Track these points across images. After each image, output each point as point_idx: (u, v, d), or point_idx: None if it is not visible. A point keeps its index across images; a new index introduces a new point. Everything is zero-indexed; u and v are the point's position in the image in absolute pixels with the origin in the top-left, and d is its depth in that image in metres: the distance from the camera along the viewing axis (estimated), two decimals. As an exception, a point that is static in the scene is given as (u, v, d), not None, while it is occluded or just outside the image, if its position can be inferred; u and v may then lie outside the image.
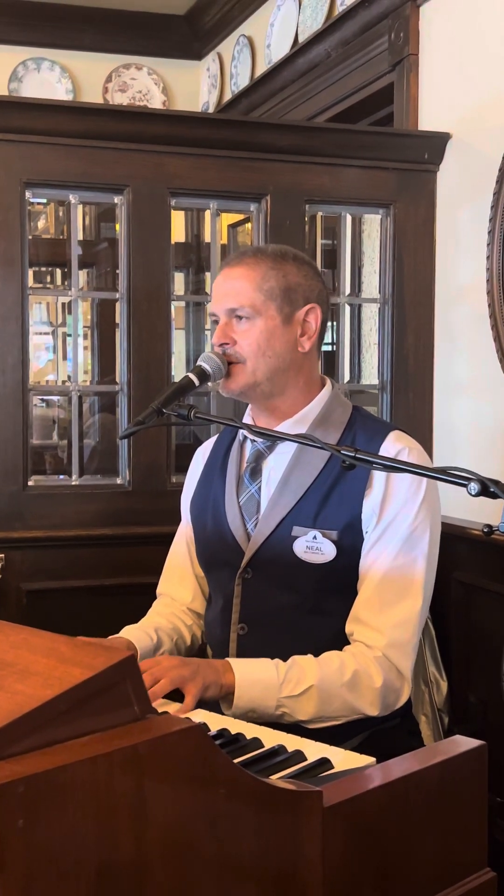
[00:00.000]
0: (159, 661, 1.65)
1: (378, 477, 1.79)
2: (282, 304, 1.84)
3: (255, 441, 1.91)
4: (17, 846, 0.81)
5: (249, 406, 1.97)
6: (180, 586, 2.05)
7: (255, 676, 1.67)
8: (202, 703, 1.68)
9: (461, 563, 2.39)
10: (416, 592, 1.78)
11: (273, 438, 1.85)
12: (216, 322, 1.89)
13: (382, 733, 1.82)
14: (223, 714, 1.65)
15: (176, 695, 1.63)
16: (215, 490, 1.96)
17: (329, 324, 3.18)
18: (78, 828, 0.85)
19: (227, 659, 1.73)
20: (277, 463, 1.88)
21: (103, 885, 0.86)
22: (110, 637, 1.87)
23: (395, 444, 1.82)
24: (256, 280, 1.83)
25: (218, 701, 1.68)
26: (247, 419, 1.97)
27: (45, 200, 3.89)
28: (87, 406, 3.81)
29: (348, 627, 1.80)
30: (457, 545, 2.34)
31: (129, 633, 1.89)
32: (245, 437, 1.95)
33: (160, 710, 1.15)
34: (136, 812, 0.89)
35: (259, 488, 1.89)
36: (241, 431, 1.95)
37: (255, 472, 1.90)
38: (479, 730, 2.31)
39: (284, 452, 1.87)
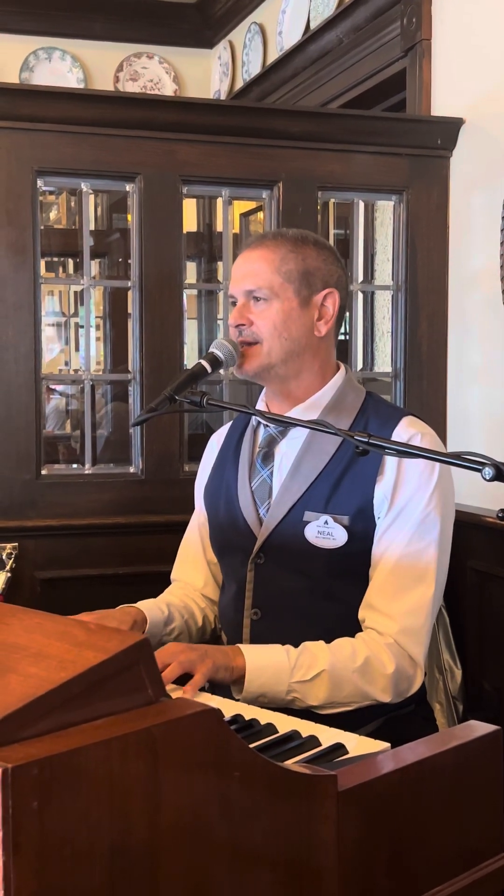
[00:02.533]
0: (167, 647, 1.65)
1: (390, 462, 1.78)
2: (300, 286, 1.83)
3: (267, 426, 1.91)
4: (31, 828, 0.80)
5: (263, 391, 1.96)
6: (193, 572, 2.05)
7: (265, 661, 1.67)
8: (214, 688, 1.68)
9: (475, 550, 2.38)
10: (429, 579, 1.77)
11: (286, 424, 1.84)
12: (234, 304, 1.89)
13: (397, 720, 1.81)
14: (235, 700, 1.65)
15: (186, 682, 1.62)
16: (228, 476, 1.96)
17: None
18: (92, 810, 0.84)
19: (237, 645, 1.73)
20: (289, 448, 1.87)
21: (117, 868, 0.86)
22: (121, 606, 1.87)
23: (408, 430, 1.81)
24: (275, 262, 1.83)
25: (229, 686, 1.67)
26: (260, 404, 1.97)
27: (56, 189, 3.88)
28: (99, 396, 3.82)
29: (361, 614, 1.79)
30: (471, 533, 2.33)
31: (141, 604, 1.90)
32: (258, 423, 1.95)
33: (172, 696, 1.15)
34: (150, 795, 0.89)
35: (271, 473, 1.88)
36: (254, 417, 1.95)
37: (268, 457, 1.90)
38: (494, 717, 2.30)
39: (296, 438, 1.86)
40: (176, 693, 1.58)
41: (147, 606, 1.90)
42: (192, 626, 1.98)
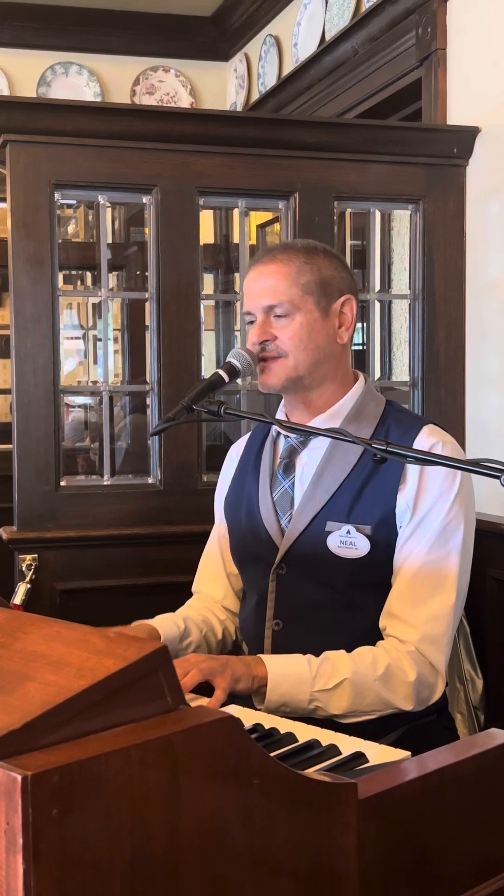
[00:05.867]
0: (188, 657, 1.65)
1: (412, 471, 1.78)
2: (318, 297, 1.83)
3: (287, 437, 1.91)
4: (51, 836, 0.80)
5: (282, 402, 1.96)
6: (213, 584, 2.05)
7: (287, 670, 1.67)
8: (235, 698, 1.67)
9: (496, 559, 2.36)
10: (450, 587, 1.76)
11: (305, 433, 1.84)
12: (251, 322, 1.87)
13: (419, 729, 1.80)
14: (256, 709, 1.65)
15: (207, 692, 1.62)
16: (249, 486, 1.96)
17: (360, 324, 3.15)
18: (112, 818, 0.84)
19: (258, 655, 1.72)
20: (311, 458, 1.87)
21: (137, 876, 0.86)
22: (135, 623, 1.87)
23: (429, 438, 1.81)
24: (292, 275, 1.83)
25: (250, 696, 1.67)
26: (279, 415, 1.96)
27: (74, 202, 3.90)
28: (117, 407, 3.82)
29: (382, 622, 1.79)
30: (491, 541, 2.32)
31: (156, 620, 1.90)
32: (278, 433, 1.95)
33: (191, 705, 1.15)
34: (170, 803, 0.88)
35: (292, 484, 1.88)
36: (273, 427, 1.95)
37: (289, 467, 1.90)
38: (516, 727, 2.29)
39: (317, 448, 1.86)
40: (196, 702, 1.58)
41: (162, 622, 1.89)
42: (211, 640, 1.97)
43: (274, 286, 1.83)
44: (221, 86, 4.88)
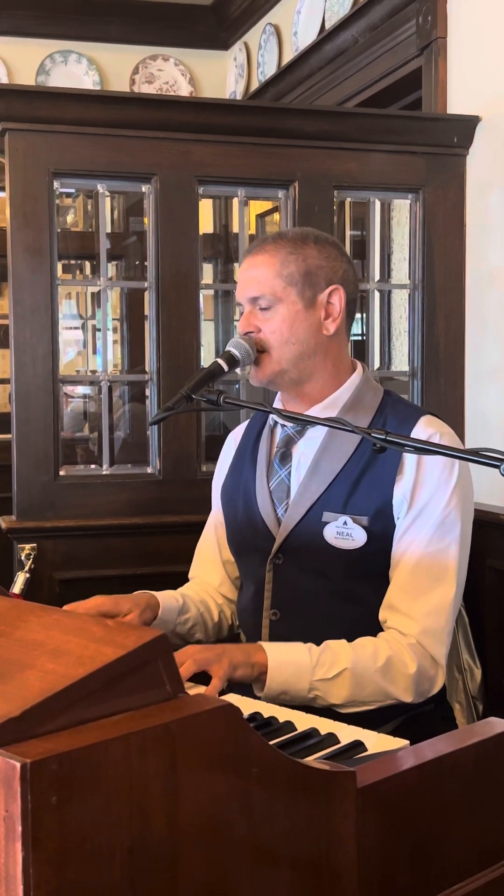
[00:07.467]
0: (185, 649, 1.65)
1: (409, 462, 1.77)
2: (303, 288, 1.82)
3: (284, 426, 1.90)
4: (50, 824, 0.80)
5: (278, 393, 1.96)
6: (209, 571, 2.05)
7: (287, 658, 1.67)
8: (235, 687, 1.67)
9: (495, 549, 2.36)
10: (450, 579, 1.76)
11: (303, 423, 1.84)
12: (243, 312, 1.89)
13: (417, 719, 1.81)
14: (255, 697, 1.65)
15: (207, 681, 1.62)
16: (246, 475, 1.95)
17: (359, 314, 3.15)
18: (110, 806, 0.84)
19: (258, 642, 1.72)
20: (307, 448, 1.87)
21: (136, 864, 0.86)
22: (136, 592, 1.88)
23: (427, 429, 1.80)
24: (276, 266, 1.82)
25: (250, 684, 1.67)
26: (277, 405, 1.96)
27: (73, 191, 3.89)
28: (116, 397, 3.82)
29: (382, 614, 1.79)
30: (490, 531, 2.32)
31: (157, 593, 1.90)
32: (275, 423, 1.94)
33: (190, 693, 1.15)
34: (169, 791, 0.88)
35: (289, 473, 1.88)
36: (271, 416, 1.94)
37: (285, 456, 1.89)
38: (514, 717, 2.29)
39: (314, 437, 1.86)
40: (193, 690, 1.58)
41: (162, 594, 1.90)
42: (207, 620, 1.98)
43: (258, 277, 1.83)
44: (221, 75, 4.86)
